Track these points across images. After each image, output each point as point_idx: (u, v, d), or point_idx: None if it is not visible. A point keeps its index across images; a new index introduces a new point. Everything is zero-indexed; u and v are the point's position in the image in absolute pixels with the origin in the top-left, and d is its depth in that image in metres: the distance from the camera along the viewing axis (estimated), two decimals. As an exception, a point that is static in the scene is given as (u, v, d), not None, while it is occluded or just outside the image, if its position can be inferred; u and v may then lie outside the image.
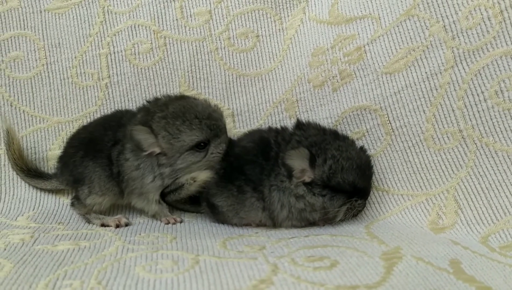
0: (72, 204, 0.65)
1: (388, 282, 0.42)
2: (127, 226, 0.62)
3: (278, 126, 0.64)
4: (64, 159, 0.65)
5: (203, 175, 0.60)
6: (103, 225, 0.62)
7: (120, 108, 0.71)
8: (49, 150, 0.71)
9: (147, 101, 0.63)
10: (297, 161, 0.56)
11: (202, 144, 0.59)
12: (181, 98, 0.62)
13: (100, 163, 0.62)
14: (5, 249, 0.51)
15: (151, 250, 0.50)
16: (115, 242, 0.53)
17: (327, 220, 0.60)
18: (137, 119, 0.61)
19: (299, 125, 0.61)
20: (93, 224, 0.63)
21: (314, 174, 0.56)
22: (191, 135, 0.58)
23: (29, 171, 0.68)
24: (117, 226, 0.61)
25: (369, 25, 0.64)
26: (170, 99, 0.62)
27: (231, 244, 0.53)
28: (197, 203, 0.67)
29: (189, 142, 0.58)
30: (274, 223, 0.60)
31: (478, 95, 0.57)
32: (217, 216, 0.63)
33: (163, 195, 0.64)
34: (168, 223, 0.63)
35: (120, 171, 0.61)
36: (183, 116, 0.58)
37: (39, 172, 0.69)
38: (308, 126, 0.60)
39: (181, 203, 0.68)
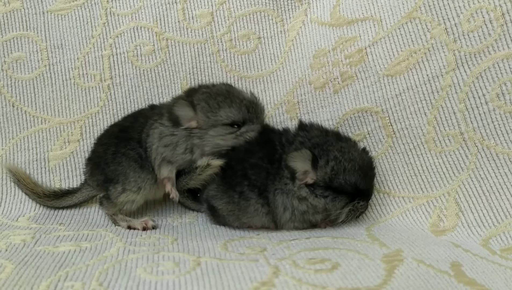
0: (101, 203, 0.64)
1: (389, 285, 0.42)
2: (154, 229, 0.61)
3: (281, 128, 0.64)
4: (94, 160, 0.65)
5: (216, 162, 0.60)
6: (129, 227, 0.61)
7: (122, 110, 0.71)
8: (50, 150, 0.71)
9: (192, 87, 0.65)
10: (300, 163, 0.56)
11: (235, 125, 0.60)
12: (229, 85, 0.64)
13: (132, 156, 0.61)
14: (6, 250, 0.51)
15: (152, 251, 0.50)
16: (116, 244, 0.53)
17: (329, 222, 0.60)
18: (180, 96, 0.62)
19: (302, 126, 0.61)
20: (120, 226, 0.62)
21: (317, 175, 0.56)
22: (228, 112, 0.59)
23: (55, 194, 0.67)
24: (144, 229, 0.60)
25: (370, 27, 0.64)
26: (217, 83, 0.64)
27: (232, 246, 0.53)
28: (198, 200, 0.67)
29: (224, 118, 0.59)
30: (276, 226, 0.60)
31: (479, 97, 0.57)
32: (218, 219, 0.63)
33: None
34: (170, 196, 0.61)
35: (147, 147, 0.61)
36: (227, 94, 0.60)
37: (64, 190, 0.68)
38: (311, 127, 0.60)
39: (182, 197, 0.68)
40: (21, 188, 0.68)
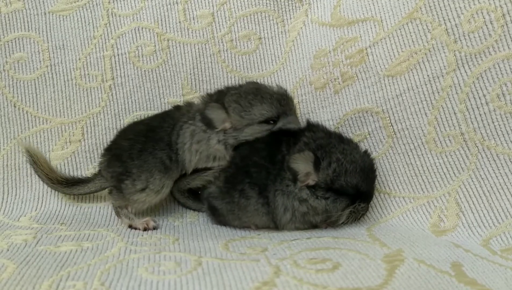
0: (110, 192, 0.64)
1: (390, 285, 0.42)
2: (155, 229, 0.61)
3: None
4: (115, 151, 0.64)
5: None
6: (130, 226, 0.61)
7: (123, 110, 0.71)
8: (52, 150, 0.71)
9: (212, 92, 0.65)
10: (302, 164, 0.56)
11: (271, 121, 0.60)
12: (255, 82, 0.65)
13: (160, 157, 0.61)
14: (8, 250, 0.51)
15: (153, 251, 0.50)
16: (117, 243, 0.53)
17: (330, 223, 0.60)
18: (212, 99, 0.62)
19: (309, 126, 0.61)
20: (121, 220, 0.62)
21: (318, 177, 0.57)
22: (261, 109, 0.59)
23: (67, 181, 0.67)
24: (145, 229, 0.60)
25: (371, 28, 0.64)
26: (243, 84, 0.64)
27: (233, 246, 0.53)
28: (199, 200, 0.67)
29: (259, 116, 0.59)
30: (276, 226, 0.60)
31: (479, 98, 0.57)
32: (218, 218, 0.63)
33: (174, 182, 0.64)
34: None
35: (179, 148, 0.61)
36: (256, 92, 0.60)
37: (77, 179, 0.68)
38: (317, 128, 0.60)
39: (183, 197, 0.68)
40: (36, 171, 0.68)
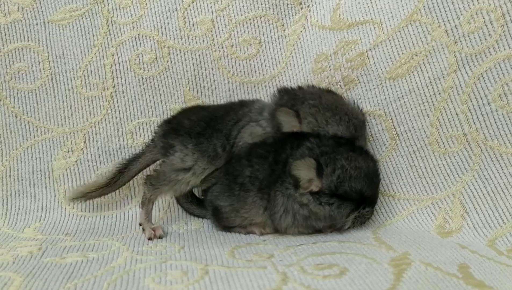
0: (145, 182, 0.64)
1: (398, 289, 0.42)
2: (160, 238, 0.61)
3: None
4: (174, 125, 0.64)
5: None
6: (141, 224, 0.62)
7: (125, 118, 0.72)
8: (54, 160, 0.71)
9: (284, 89, 0.63)
10: (304, 171, 0.56)
11: None
12: (332, 92, 0.63)
13: (214, 143, 0.62)
14: (14, 262, 0.51)
15: (159, 260, 0.50)
16: (123, 253, 0.53)
17: (334, 230, 0.60)
18: (283, 100, 0.61)
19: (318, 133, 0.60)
20: (141, 209, 0.64)
21: (322, 183, 0.56)
22: (336, 130, 0.59)
23: (114, 176, 0.66)
24: (150, 238, 0.60)
25: (371, 31, 0.64)
26: (321, 90, 0.63)
27: (239, 252, 0.53)
28: (203, 206, 0.67)
29: (330, 135, 0.59)
30: (275, 228, 0.60)
31: (481, 98, 0.57)
32: (221, 221, 0.63)
33: None
34: None
35: (236, 142, 0.61)
36: (336, 109, 0.59)
37: (125, 162, 0.67)
38: (324, 136, 0.59)
39: (187, 202, 0.68)
40: (94, 197, 0.68)
